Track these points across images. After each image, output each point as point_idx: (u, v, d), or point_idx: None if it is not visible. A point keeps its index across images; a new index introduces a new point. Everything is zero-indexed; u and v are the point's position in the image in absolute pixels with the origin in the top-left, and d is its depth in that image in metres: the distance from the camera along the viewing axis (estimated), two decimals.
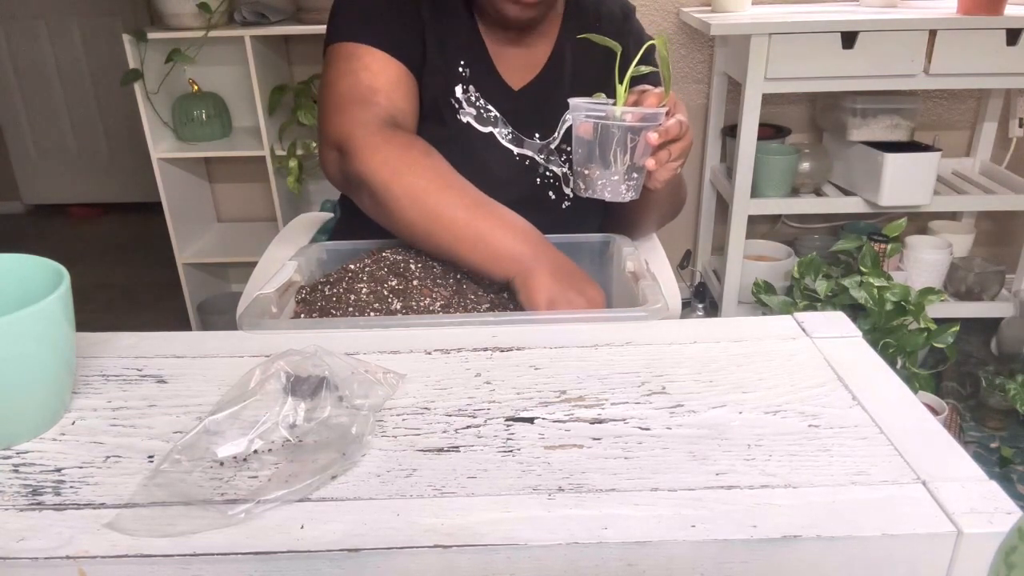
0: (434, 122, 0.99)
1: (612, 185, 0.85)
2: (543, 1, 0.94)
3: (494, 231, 0.84)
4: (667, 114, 0.83)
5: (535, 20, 0.98)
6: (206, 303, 2.40)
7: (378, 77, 0.94)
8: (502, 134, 1.01)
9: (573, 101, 0.83)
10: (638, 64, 0.83)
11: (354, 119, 0.90)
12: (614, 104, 0.83)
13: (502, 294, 0.89)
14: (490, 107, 1.01)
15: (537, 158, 1.03)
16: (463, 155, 0.93)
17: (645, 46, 0.86)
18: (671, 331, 0.71)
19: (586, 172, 0.85)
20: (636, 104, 0.83)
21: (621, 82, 0.83)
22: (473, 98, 1.00)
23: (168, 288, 2.59)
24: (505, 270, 0.84)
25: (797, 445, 0.54)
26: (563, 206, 1.06)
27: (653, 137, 0.80)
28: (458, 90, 1.00)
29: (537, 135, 1.03)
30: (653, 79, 0.87)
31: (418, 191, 0.85)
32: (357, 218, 0.98)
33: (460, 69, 1.00)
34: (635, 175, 0.85)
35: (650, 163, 0.83)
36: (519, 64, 1.03)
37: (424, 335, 0.71)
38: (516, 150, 1.02)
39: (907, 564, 0.47)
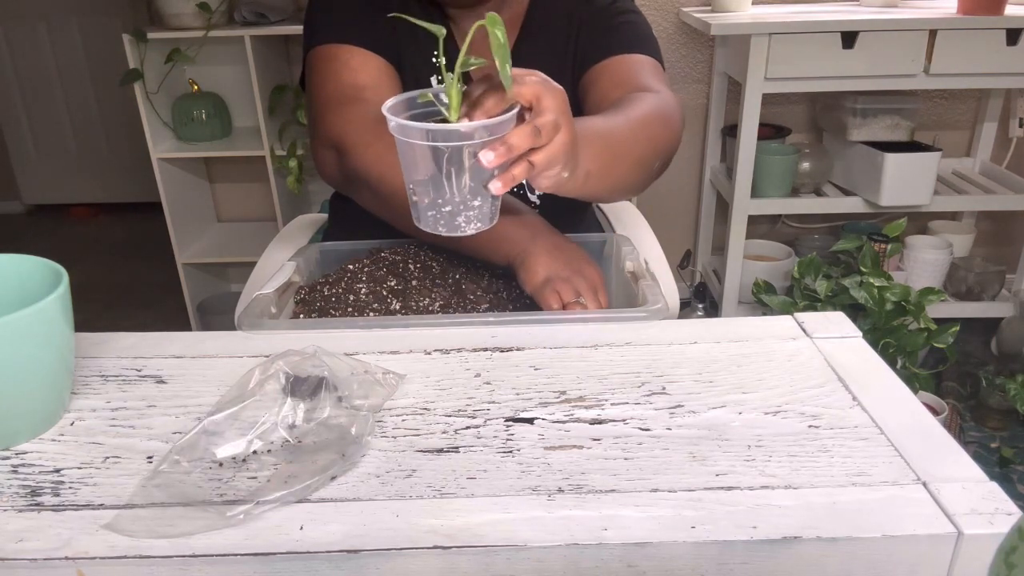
0: None
1: (445, 217, 0.65)
2: None
3: None
4: (522, 113, 0.63)
5: None
6: (206, 303, 2.40)
7: (361, 74, 0.94)
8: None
9: (387, 106, 0.62)
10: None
11: (345, 118, 0.91)
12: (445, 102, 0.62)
13: (501, 294, 0.89)
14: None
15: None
16: None
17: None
18: (671, 331, 0.71)
19: (414, 199, 0.65)
20: (476, 105, 0.62)
21: (451, 71, 0.61)
22: None
23: (168, 288, 2.58)
24: (504, 253, 0.85)
25: (797, 446, 0.54)
26: (531, 203, 1.05)
27: (488, 158, 0.60)
28: (434, 80, 1.00)
29: None
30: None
31: None
32: (348, 224, 0.97)
33: (435, 59, 1.00)
34: (476, 203, 0.64)
35: (495, 186, 0.63)
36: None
37: (423, 335, 0.71)
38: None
39: (907, 565, 0.47)
